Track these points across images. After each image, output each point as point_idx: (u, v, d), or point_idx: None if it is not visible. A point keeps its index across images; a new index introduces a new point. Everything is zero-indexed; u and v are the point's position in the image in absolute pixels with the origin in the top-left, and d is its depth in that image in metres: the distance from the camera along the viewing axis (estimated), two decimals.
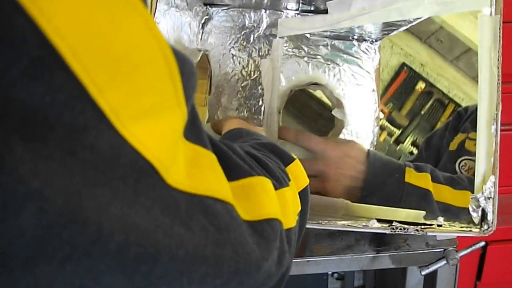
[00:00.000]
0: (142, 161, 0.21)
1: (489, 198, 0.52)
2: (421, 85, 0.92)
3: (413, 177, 0.69)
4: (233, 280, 0.26)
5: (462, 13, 0.81)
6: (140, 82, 0.21)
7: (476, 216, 0.53)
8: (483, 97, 0.54)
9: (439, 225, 0.56)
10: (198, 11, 0.76)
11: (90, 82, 0.19)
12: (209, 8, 0.78)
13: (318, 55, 0.88)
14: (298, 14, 0.78)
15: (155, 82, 0.22)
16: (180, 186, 0.24)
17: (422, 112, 0.90)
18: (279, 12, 0.78)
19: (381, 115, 0.91)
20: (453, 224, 0.55)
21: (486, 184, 0.52)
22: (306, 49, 0.87)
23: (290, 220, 0.38)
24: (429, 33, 0.89)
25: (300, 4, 0.76)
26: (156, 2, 0.56)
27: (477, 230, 0.52)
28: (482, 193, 0.52)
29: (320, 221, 0.57)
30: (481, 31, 0.54)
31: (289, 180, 0.41)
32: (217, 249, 0.25)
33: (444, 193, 0.66)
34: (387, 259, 0.73)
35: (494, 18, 0.54)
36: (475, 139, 0.65)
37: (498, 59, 0.53)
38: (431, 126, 0.87)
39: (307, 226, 0.57)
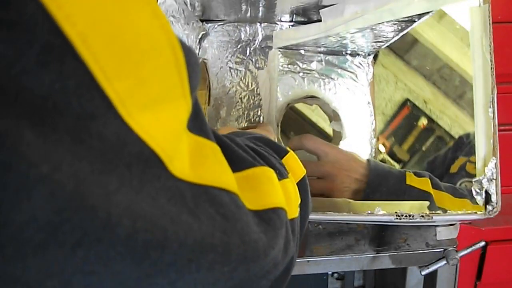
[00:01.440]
0: (148, 151, 0.21)
1: (491, 179, 0.52)
2: (423, 121, 0.93)
3: (414, 180, 0.70)
4: (240, 267, 0.26)
5: (466, 52, 0.84)
6: (147, 72, 0.21)
7: (480, 199, 0.53)
8: (478, 82, 0.55)
9: (444, 211, 0.56)
10: (195, 26, 0.78)
11: (99, 70, 0.19)
12: (205, 24, 0.80)
13: (313, 70, 0.90)
14: (292, 25, 0.81)
15: (162, 72, 0.22)
16: (185, 177, 0.24)
17: (423, 148, 0.91)
18: (274, 25, 0.80)
19: (383, 149, 0.92)
20: (458, 209, 0.55)
21: (488, 166, 0.52)
22: (301, 64, 0.89)
23: (293, 210, 0.38)
24: (433, 70, 0.92)
25: (294, 16, 0.78)
26: None
27: (482, 212, 0.52)
28: (484, 175, 0.53)
29: (326, 212, 0.57)
30: (472, 22, 0.56)
31: (287, 172, 0.41)
32: (224, 237, 0.25)
33: (443, 199, 0.67)
34: (387, 259, 0.73)
35: (483, 7, 0.55)
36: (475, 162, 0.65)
37: (490, 46, 0.54)
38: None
39: (312, 217, 0.57)
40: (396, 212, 0.54)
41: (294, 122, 0.91)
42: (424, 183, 0.70)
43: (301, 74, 0.89)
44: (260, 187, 0.33)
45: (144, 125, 0.21)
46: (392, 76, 0.97)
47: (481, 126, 0.54)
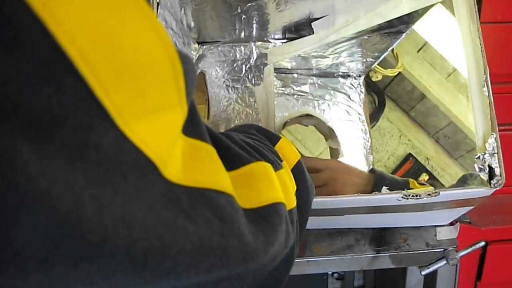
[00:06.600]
0: (143, 158, 0.22)
1: (493, 154, 0.53)
2: (424, 177, 0.95)
3: (417, 187, 0.71)
4: (238, 268, 0.27)
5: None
6: (146, 83, 0.22)
7: (483, 174, 0.54)
8: (470, 66, 0.57)
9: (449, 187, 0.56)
10: (192, 48, 0.81)
11: (97, 84, 0.19)
12: (202, 46, 0.83)
13: (307, 92, 0.92)
14: (285, 43, 0.84)
15: (160, 82, 0.23)
16: (180, 181, 0.25)
17: None
18: (267, 43, 0.83)
19: None
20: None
21: (488, 142, 0.53)
22: (294, 87, 0.92)
23: (291, 201, 0.39)
24: (437, 128, 0.95)
25: (286, 33, 0.81)
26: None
27: (488, 186, 0.53)
28: (485, 151, 0.53)
29: (333, 196, 0.57)
30: (457, 11, 0.59)
31: (281, 160, 0.42)
32: (222, 239, 0.26)
33: None
34: (387, 259, 0.73)
35: None
36: None
37: (478, 30, 0.57)
38: None
39: (317, 201, 0.57)
40: (402, 192, 0.54)
41: None
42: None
43: (295, 96, 0.92)
44: (257, 184, 0.34)
45: (140, 133, 0.21)
46: (397, 131, 0.99)
47: (477, 105, 0.56)
